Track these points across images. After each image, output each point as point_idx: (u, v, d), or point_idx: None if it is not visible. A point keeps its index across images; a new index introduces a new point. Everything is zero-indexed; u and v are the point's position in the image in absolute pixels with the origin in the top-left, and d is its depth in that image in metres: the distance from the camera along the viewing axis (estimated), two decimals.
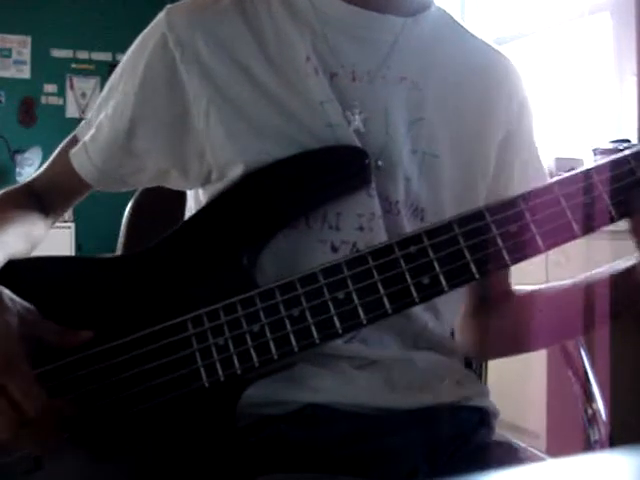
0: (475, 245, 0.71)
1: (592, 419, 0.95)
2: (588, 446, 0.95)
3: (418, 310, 0.84)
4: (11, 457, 0.75)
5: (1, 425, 0.69)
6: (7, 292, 0.74)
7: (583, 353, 1.03)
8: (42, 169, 0.97)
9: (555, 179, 0.72)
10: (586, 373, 1.01)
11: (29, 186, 0.96)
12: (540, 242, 0.70)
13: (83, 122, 0.93)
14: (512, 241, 0.70)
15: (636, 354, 2.30)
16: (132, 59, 0.87)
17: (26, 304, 0.75)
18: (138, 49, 0.87)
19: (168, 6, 0.86)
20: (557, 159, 2.65)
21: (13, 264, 0.81)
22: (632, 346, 2.29)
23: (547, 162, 2.99)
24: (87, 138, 0.91)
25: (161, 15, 0.86)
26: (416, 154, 0.85)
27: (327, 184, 0.81)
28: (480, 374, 1.13)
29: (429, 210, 0.85)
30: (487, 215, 0.71)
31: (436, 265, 0.71)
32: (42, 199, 0.95)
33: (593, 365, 1.02)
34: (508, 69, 0.96)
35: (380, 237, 0.81)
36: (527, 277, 0.96)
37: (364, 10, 0.86)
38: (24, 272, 0.82)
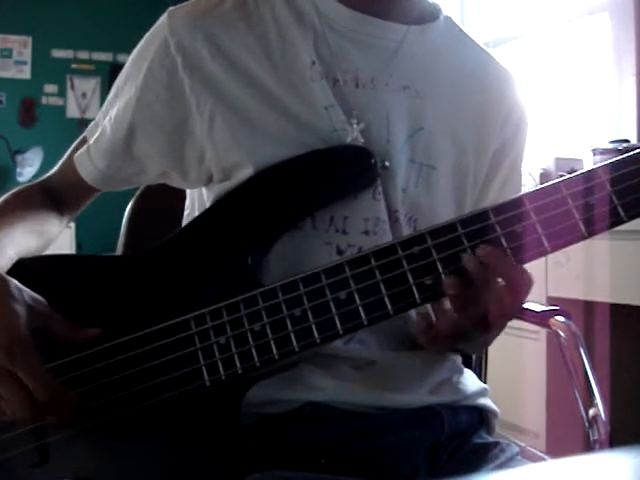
0: (479, 246, 0.70)
1: (592, 419, 0.95)
2: (588, 446, 0.95)
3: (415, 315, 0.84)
4: (16, 451, 0.75)
5: (14, 407, 0.71)
6: (15, 282, 0.75)
7: (583, 353, 1.03)
8: (55, 168, 0.97)
9: (562, 178, 0.71)
10: (586, 373, 1.01)
11: (43, 184, 0.96)
12: (546, 243, 0.69)
13: (92, 123, 0.94)
14: (517, 242, 0.69)
15: (636, 354, 2.30)
16: (135, 63, 0.88)
17: (36, 295, 0.76)
18: (141, 53, 0.87)
19: (170, 9, 0.86)
20: (557, 159, 2.65)
21: (23, 262, 0.82)
22: (632, 346, 2.29)
23: (547, 162, 2.97)
24: (91, 141, 0.91)
25: (163, 18, 0.85)
26: (414, 164, 0.85)
27: (332, 184, 0.81)
28: (480, 374, 1.13)
29: (422, 220, 0.85)
30: (492, 215, 0.71)
31: (439, 266, 0.71)
32: (56, 198, 0.95)
33: (593, 365, 1.02)
34: (509, 84, 0.96)
35: (385, 241, 0.81)
36: None
37: (366, 16, 0.86)
38: (34, 269, 0.83)
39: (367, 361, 0.83)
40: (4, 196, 0.92)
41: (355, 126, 0.83)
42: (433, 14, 0.92)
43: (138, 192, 1.26)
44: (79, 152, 0.93)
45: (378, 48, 0.87)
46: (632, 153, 0.70)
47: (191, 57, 0.83)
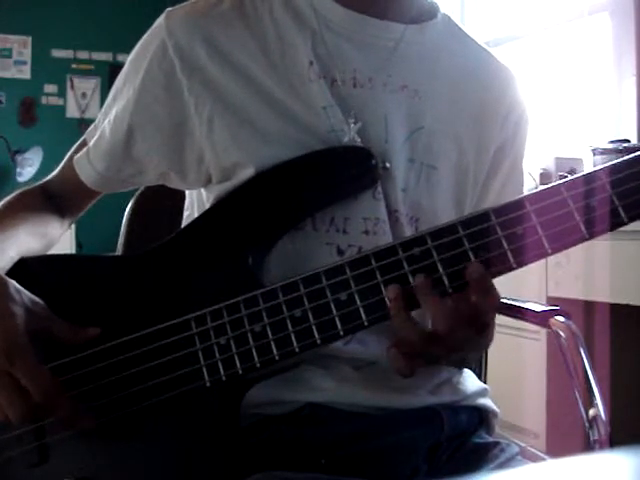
0: (480, 247, 0.70)
1: (592, 419, 0.95)
2: (588, 446, 0.95)
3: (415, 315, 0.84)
4: (16, 451, 0.76)
5: (11, 408, 0.71)
6: (14, 283, 0.75)
7: (583, 353, 1.03)
8: (56, 171, 0.98)
9: (563, 180, 0.70)
10: (586, 373, 1.01)
11: (44, 187, 0.96)
12: (546, 245, 0.69)
13: (92, 125, 0.94)
14: (517, 243, 0.69)
15: (636, 354, 2.30)
16: (134, 64, 0.87)
17: (34, 298, 0.76)
18: (139, 54, 0.87)
19: (168, 10, 0.86)
20: (557, 159, 2.65)
21: (24, 262, 0.82)
22: (632, 346, 2.29)
23: (547, 162, 2.97)
24: (91, 144, 0.92)
25: (160, 20, 0.85)
26: (414, 164, 0.85)
27: (333, 185, 0.81)
28: (480, 374, 1.13)
29: (423, 220, 0.85)
30: (493, 216, 0.70)
31: (439, 267, 0.71)
32: (56, 200, 0.96)
33: (593, 365, 1.02)
34: (510, 82, 0.95)
35: (385, 241, 0.81)
36: (527, 277, 0.96)
37: (363, 15, 0.86)
38: (34, 269, 0.83)
39: (367, 362, 0.83)
40: (6, 198, 0.92)
41: (352, 126, 0.82)
42: (431, 12, 0.92)
43: (138, 192, 1.26)
44: (78, 155, 0.93)
45: (376, 48, 0.86)
46: (633, 155, 0.70)
47: (189, 58, 0.83)
